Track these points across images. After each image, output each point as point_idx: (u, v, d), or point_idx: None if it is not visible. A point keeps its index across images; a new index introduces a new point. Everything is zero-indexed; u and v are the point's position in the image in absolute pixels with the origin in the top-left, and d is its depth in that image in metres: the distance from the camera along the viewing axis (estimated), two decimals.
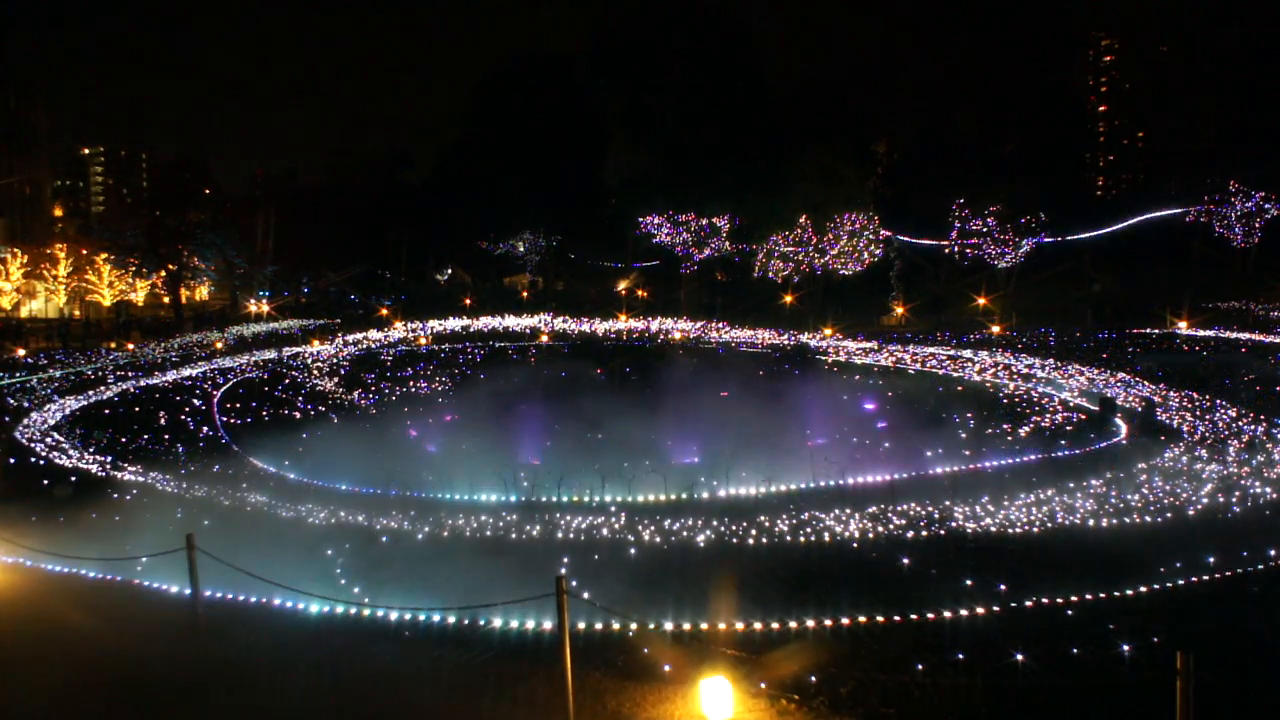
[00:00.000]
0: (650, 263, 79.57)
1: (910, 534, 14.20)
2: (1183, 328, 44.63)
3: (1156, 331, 40.40)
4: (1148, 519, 14.85)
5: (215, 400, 30.40)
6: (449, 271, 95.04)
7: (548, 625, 10.19)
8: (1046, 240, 66.78)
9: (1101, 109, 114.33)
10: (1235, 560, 12.50)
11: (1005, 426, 23.31)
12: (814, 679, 9.03)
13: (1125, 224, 72.62)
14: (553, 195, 75.16)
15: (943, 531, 14.36)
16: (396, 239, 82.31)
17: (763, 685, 8.96)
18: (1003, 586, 11.46)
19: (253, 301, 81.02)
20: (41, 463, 21.00)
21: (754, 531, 14.31)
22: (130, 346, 40.95)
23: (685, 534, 14.41)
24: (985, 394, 29.11)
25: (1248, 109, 74.60)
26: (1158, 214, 70.55)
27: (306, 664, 10.00)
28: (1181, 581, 11.72)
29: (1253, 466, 18.21)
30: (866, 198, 71.28)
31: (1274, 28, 79.25)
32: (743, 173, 68.20)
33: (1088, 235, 73.39)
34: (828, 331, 43.52)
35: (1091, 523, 14.68)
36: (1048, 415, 25.02)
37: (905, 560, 12.88)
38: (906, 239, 71.39)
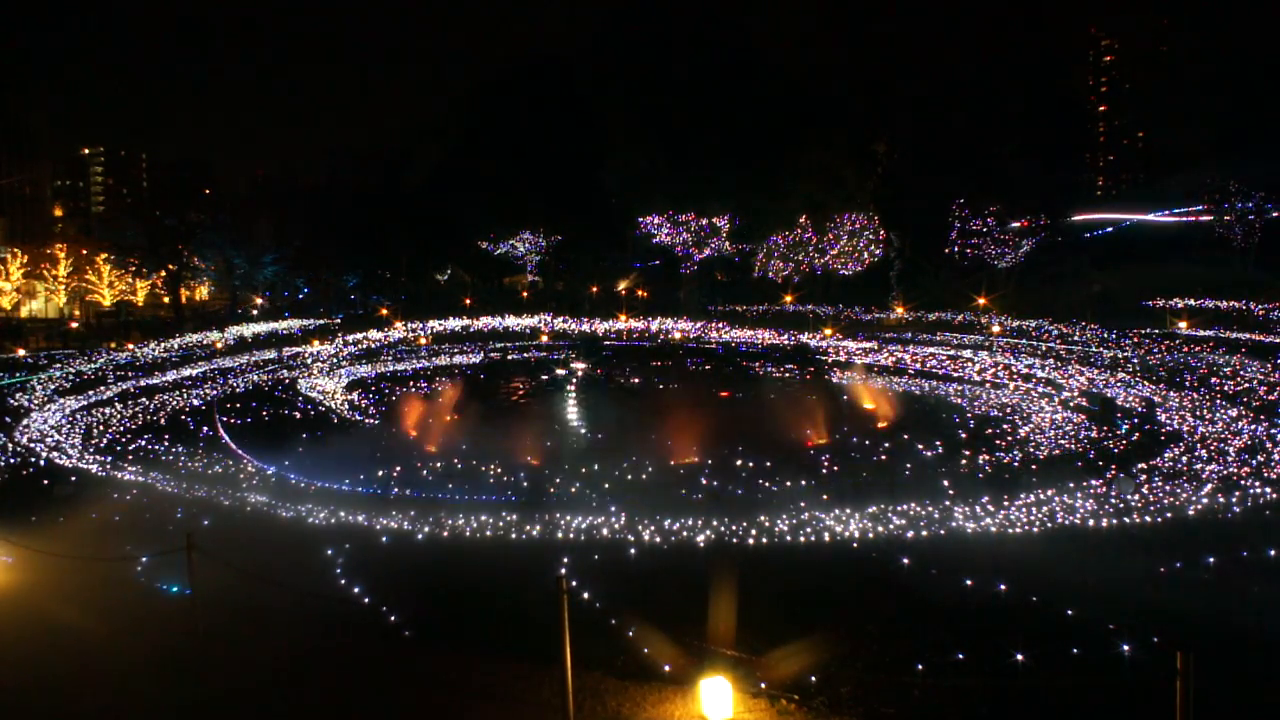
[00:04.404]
0: (650, 263, 79.61)
1: (910, 534, 14.20)
2: (1183, 328, 44.64)
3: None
4: (1147, 519, 14.86)
5: (215, 400, 30.42)
6: (449, 271, 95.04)
7: (548, 625, 10.18)
8: (1046, 240, 66.85)
9: (1101, 109, 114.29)
10: (1235, 560, 12.50)
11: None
12: (814, 679, 9.03)
13: (1125, 224, 72.68)
14: (553, 195, 75.17)
15: (943, 531, 14.36)
16: (396, 239, 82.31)
17: (763, 685, 8.96)
18: (1002, 586, 11.46)
19: (260, 301, 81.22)
20: (42, 463, 21.00)
21: (754, 531, 14.32)
22: (130, 346, 40.90)
23: (685, 534, 14.41)
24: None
25: (1248, 109, 74.57)
26: (1158, 214, 70.62)
27: (306, 664, 10.00)
28: (1181, 581, 11.73)
29: (1253, 466, 18.20)
30: (866, 198, 71.32)
31: (1274, 27, 79.25)
32: (743, 173, 68.18)
33: (1087, 235, 73.46)
34: (828, 331, 43.50)
35: (1091, 523, 14.69)
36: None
37: (905, 560, 12.89)
38: (906, 239, 71.39)
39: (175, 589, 12.07)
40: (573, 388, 26.66)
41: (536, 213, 78.04)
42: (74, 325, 71.15)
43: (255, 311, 74.91)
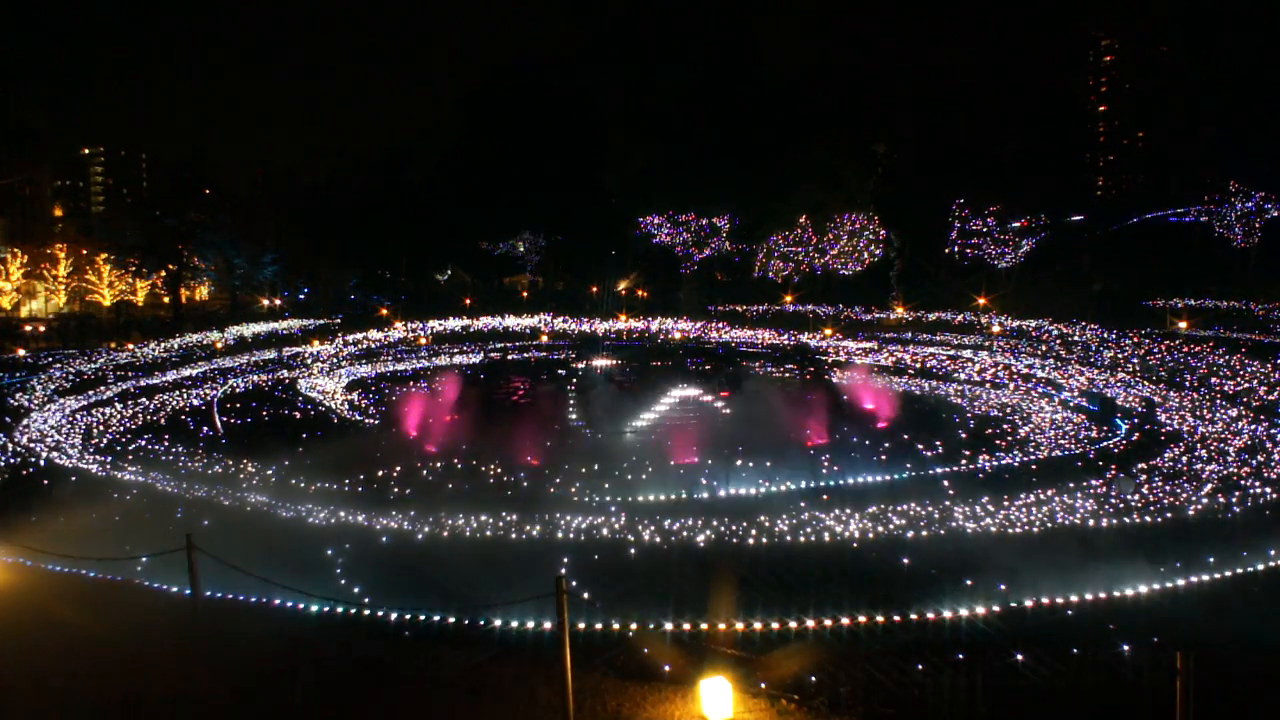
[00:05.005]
0: (650, 262, 79.63)
1: (910, 534, 14.20)
2: (1183, 328, 44.63)
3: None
4: (1147, 519, 14.86)
5: (215, 400, 30.42)
6: (449, 271, 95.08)
7: (548, 625, 10.19)
8: (1046, 240, 66.83)
9: (1101, 109, 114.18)
10: (1235, 560, 12.50)
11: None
12: (814, 679, 9.03)
13: (1125, 224, 72.68)
14: (553, 195, 75.21)
15: (943, 531, 14.36)
16: (396, 239, 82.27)
17: (763, 685, 8.96)
18: (1003, 586, 11.46)
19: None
20: (42, 463, 21.00)
21: (754, 531, 14.32)
22: (130, 346, 40.90)
23: (685, 534, 14.41)
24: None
25: (1248, 109, 74.60)
26: (1157, 214, 70.59)
27: (307, 664, 9.99)
28: (1181, 582, 11.72)
29: (1253, 466, 18.20)
30: (866, 198, 71.35)
31: (1274, 28, 79.30)
32: (743, 172, 68.20)
33: (1087, 235, 73.43)
34: (828, 331, 43.51)
35: (1091, 523, 14.69)
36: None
37: (905, 560, 12.89)
38: (906, 239, 71.38)
39: (175, 589, 12.07)
40: (573, 387, 26.68)
41: (536, 213, 78.06)
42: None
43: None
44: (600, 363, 29.65)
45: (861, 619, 10.46)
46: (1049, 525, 14.60)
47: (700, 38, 72.64)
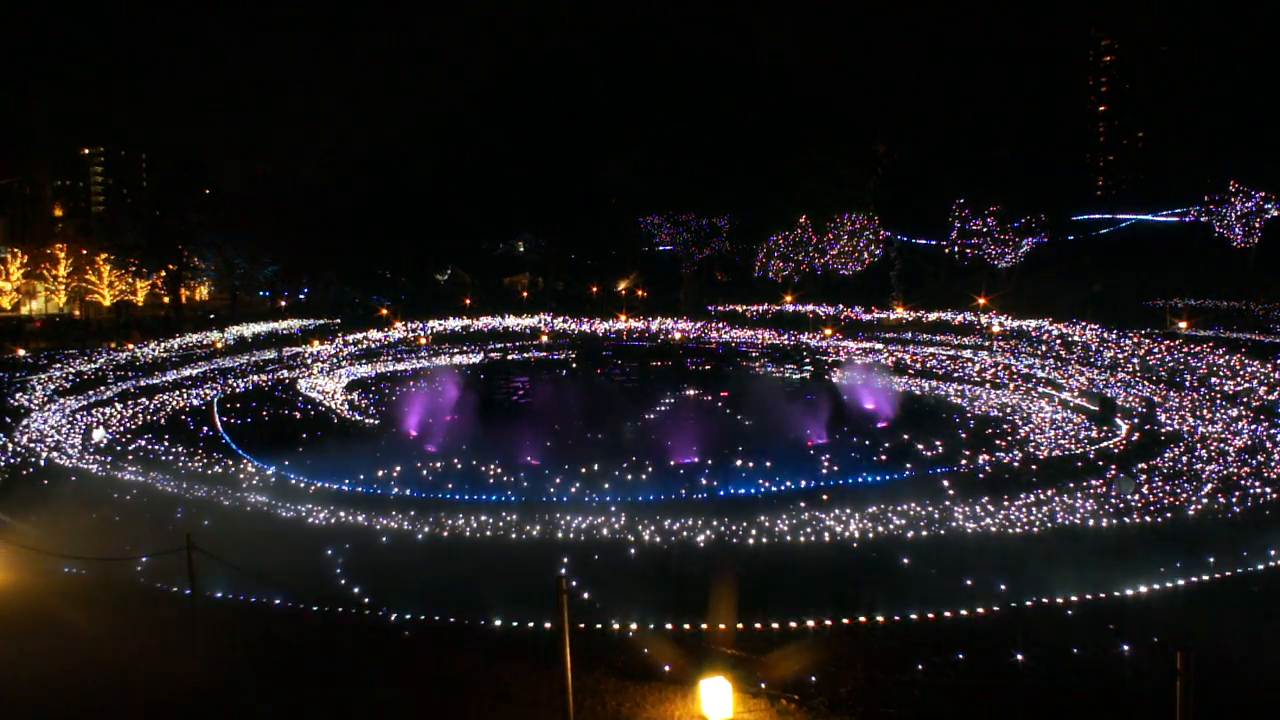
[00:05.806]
0: (650, 262, 79.69)
1: (910, 534, 14.20)
2: (1183, 328, 44.62)
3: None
4: (1147, 519, 14.86)
5: (215, 400, 30.42)
6: (449, 271, 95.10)
7: (548, 625, 10.18)
8: (1046, 240, 66.88)
9: (1101, 109, 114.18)
10: (1235, 560, 12.50)
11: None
12: (814, 679, 9.02)
13: (1125, 224, 72.72)
14: (553, 195, 75.23)
15: (943, 531, 14.37)
16: (396, 239, 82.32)
17: (763, 685, 8.96)
18: (1003, 586, 11.46)
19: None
20: (42, 463, 20.99)
21: (754, 531, 14.32)
22: (130, 346, 40.89)
23: (685, 534, 14.41)
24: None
25: (1248, 108, 74.62)
26: (1157, 214, 70.62)
27: (306, 664, 9.99)
28: (1182, 581, 11.72)
29: (1253, 466, 18.19)
30: (866, 198, 71.44)
31: (1274, 28, 79.34)
32: (744, 172, 68.28)
33: (1087, 235, 73.50)
34: (828, 332, 43.49)
35: (1091, 523, 14.69)
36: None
37: (905, 560, 12.90)
38: (906, 239, 71.42)
39: (175, 589, 12.06)
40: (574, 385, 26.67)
41: (537, 213, 78.10)
42: (78, 313, 70.90)
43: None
44: (590, 361, 29.69)
45: (861, 619, 10.46)
46: (1049, 525, 14.60)
47: (702, 39, 72.70)
